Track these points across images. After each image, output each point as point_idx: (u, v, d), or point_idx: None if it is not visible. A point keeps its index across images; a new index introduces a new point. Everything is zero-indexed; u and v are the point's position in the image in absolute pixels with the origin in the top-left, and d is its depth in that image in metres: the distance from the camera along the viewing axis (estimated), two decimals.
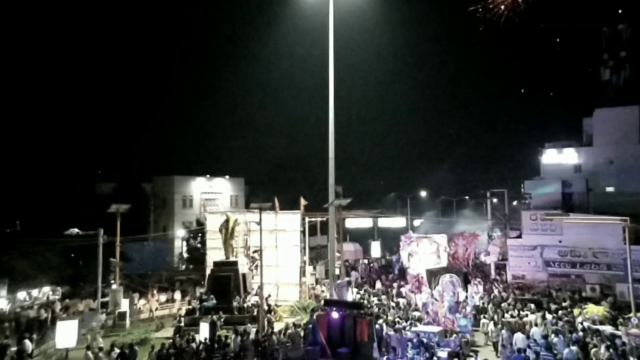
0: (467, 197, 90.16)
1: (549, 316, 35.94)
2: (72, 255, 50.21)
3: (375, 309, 39.27)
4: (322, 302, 32.83)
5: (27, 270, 48.47)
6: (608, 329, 32.50)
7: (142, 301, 45.51)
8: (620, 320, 33.72)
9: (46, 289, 49.36)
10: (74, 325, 32.74)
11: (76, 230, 43.83)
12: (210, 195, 77.16)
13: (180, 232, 70.34)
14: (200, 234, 60.29)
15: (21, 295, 47.58)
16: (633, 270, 36.51)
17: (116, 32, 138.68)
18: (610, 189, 60.63)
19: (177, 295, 47.56)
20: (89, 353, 29.70)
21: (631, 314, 33.22)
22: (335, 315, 25.15)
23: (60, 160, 58.17)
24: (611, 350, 27.44)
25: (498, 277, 53.56)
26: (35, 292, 48.55)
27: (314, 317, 26.40)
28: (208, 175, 77.99)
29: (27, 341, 32.44)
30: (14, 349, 32.31)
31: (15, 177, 51.98)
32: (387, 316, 37.04)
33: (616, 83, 65.13)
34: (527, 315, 36.29)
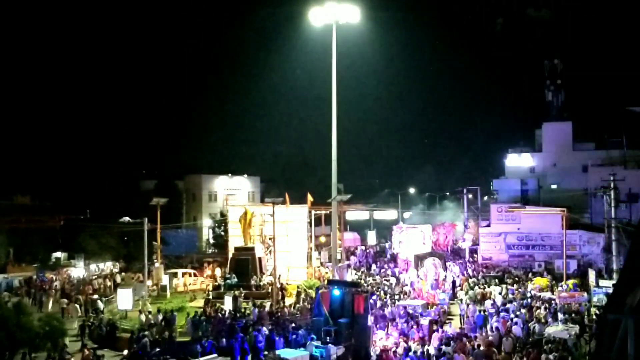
0: (447, 193, 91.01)
1: (507, 288, 38.34)
2: (125, 238, 52.09)
3: (370, 288, 40.24)
4: (326, 281, 33.67)
5: (94, 249, 51.78)
6: (547, 294, 36.08)
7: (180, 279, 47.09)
8: (555, 287, 37.73)
9: (109, 263, 53.09)
10: (130, 293, 35.22)
11: (127, 218, 45.46)
12: (232, 191, 77.72)
13: (207, 222, 71.18)
14: (223, 224, 61.20)
15: (92, 267, 51.72)
16: (567, 249, 41.21)
17: (153, 48, 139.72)
18: (554, 186, 63.74)
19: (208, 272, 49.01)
20: (141, 315, 32.06)
21: (562, 282, 37.83)
22: (336, 292, 25.85)
23: (114, 162, 59.67)
24: (546, 309, 31.13)
25: (471, 259, 54.94)
26: (101, 265, 52.63)
27: (319, 293, 27.07)
28: (230, 174, 78.58)
29: (99, 301, 35.25)
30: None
31: (82, 176, 53.92)
32: (381, 292, 38.01)
33: (556, 104, 69.65)
34: (490, 287, 38.38)
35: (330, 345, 23.49)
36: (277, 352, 23.00)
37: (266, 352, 24.00)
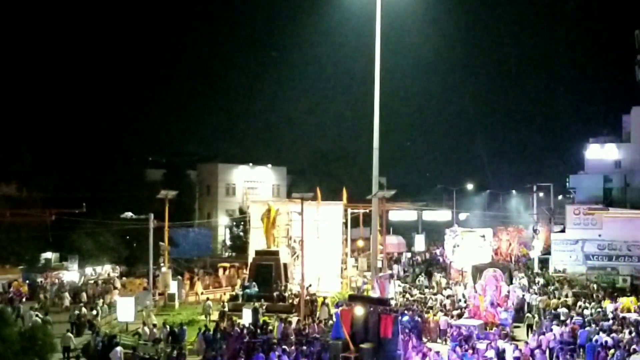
0: (513, 191, 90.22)
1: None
2: (128, 237, 52.82)
3: (417, 304, 40.06)
4: (347, 297, 33.20)
5: (91, 249, 52.66)
6: (633, 315, 35.29)
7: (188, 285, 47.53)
8: None
9: (107, 266, 54.49)
10: (131, 302, 35.64)
11: (130, 214, 46.07)
12: (253, 183, 78.05)
13: (223, 220, 71.64)
14: (242, 223, 61.52)
15: (88, 270, 53.05)
16: None
17: (176, 36, 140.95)
18: None
19: (223, 281, 49.40)
20: (145, 328, 32.43)
21: None
22: (359, 310, 25.27)
23: (116, 147, 60.33)
24: (633, 333, 30.83)
25: (540, 272, 54.27)
26: (99, 269, 54.00)
27: (338, 311, 26.66)
28: (251, 164, 78.92)
29: (94, 311, 35.92)
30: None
31: (78, 163, 54.76)
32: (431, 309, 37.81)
33: None
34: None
35: None
36: None
37: None
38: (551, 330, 32.00)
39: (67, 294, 43.09)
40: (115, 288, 46.18)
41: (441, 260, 59.40)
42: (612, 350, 28.41)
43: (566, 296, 42.36)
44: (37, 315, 35.37)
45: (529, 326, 35.28)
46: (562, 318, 35.36)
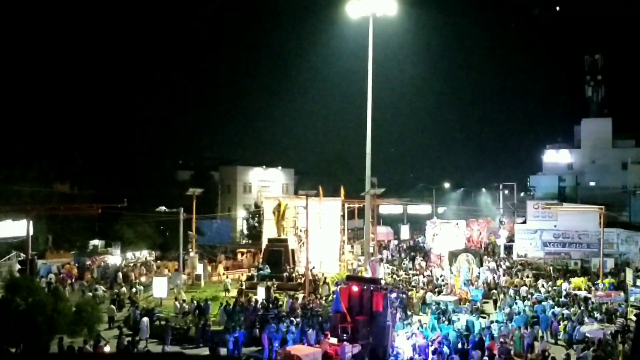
0: (483, 189, 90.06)
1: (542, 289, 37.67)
2: (161, 227, 52.85)
3: (401, 283, 40.05)
4: (345, 277, 33.20)
5: (131, 237, 53.03)
6: (583, 293, 35.63)
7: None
8: (592, 286, 37.21)
9: (144, 252, 54.29)
10: (165, 281, 36.09)
11: (163, 208, 46.10)
12: (266, 183, 78.02)
13: (241, 213, 71.64)
14: (257, 215, 61.52)
15: (129, 255, 52.98)
16: (604, 247, 41.75)
17: (194, 45, 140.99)
18: (592, 184, 62.49)
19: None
20: (176, 303, 32.63)
21: (599, 281, 37.83)
22: (355, 288, 25.30)
23: (152, 152, 60.51)
24: (582, 307, 31.26)
25: (505, 256, 54.22)
26: (137, 254, 53.85)
27: (337, 289, 26.67)
28: (264, 166, 78.88)
29: (134, 289, 36.15)
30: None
31: (121, 166, 54.96)
32: (415, 288, 37.83)
33: (596, 99, 68.14)
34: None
35: (345, 343, 23.23)
36: (288, 348, 22.94)
37: (278, 349, 23.98)
38: (516, 304, 32.09)
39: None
40: (151, 270, 46.42)
41: (423, 246, 59.24)
42: (564, 322, 28.51)
43: (527, 277, 42.44)
44: (93, 290, 35.76)
45: (494, 301, 35.35)
46: (523, 294, 35.44)
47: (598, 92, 67.49)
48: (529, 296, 34.60)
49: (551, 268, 47.23)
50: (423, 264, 48.93)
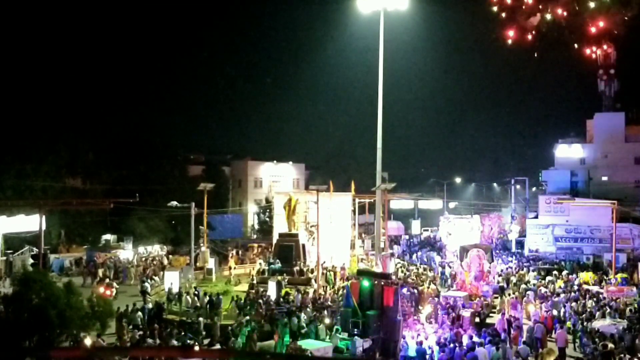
0: (494, 184, 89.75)
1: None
2: (173, 222, 53.09)
3: (414, 278, 39.98)
4: (356, 272, 33.16)
5: (143, 232, 53.27)
6: (594, 288, 35.72)
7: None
8: (604, 281, 37.30)
9: (156, 246, 54.52)
10: (176, 275, 36.21)
11: (175, 202, 46.33)
12: (277, 178, 78.01)
13: (252, 208, 71.76)
14: (268, 210, 61.61)
15: (141, 249, 53.08)
16: (616, 243, 41.34)
17: (209, 47, 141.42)
18: (605, 178, 62.11)
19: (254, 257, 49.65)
20: (188, 297, 32.68)
21: (611, 276, 37.77)
22: (366, 283, 25.29)
23: (163, 147, 60.76)
24: (594, 302, 31.21)
25: (517, 251, 54.14)
26: (149, 248, 53.98)
27: (348, 284, 26.64)
28: (275, 161, 78.86)
29: (146, 283, 35.83)
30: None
31: (133, 159, 55.24)
32: (426, 283, 37.74)
33: (609, 93, 67.72)
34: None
35: (356, 337, 23.24)
36: (300, 342, 22.96)
37: (288, 343, 24.01)
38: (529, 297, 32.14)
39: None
40: (162, 264, 46.63)
41: (436, 241, 59.14)
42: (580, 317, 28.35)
43: (538, 271, 42.38)
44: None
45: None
46: (532, 283, 35.82)
47: (611, 86, 67.03)
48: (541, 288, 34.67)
49: (563, 263, 47.14)
50: (438, 258, 48.81)
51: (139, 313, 28.48)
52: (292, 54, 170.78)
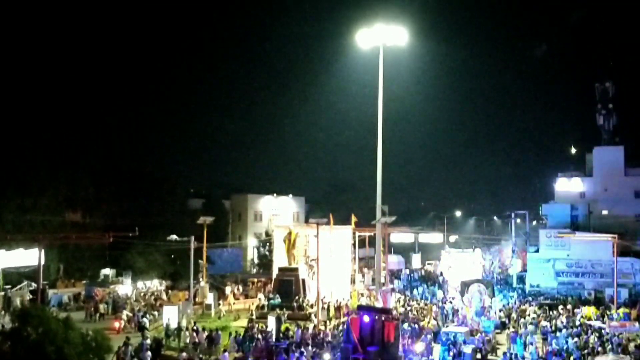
0: (495, 217, 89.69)
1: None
2: (172, 256, 52.91)
3: (415, 313, 39.74)
4: (356, 306, 32.94)
5: (142, 266, 52.84)
6: (597, 323, 35.30)
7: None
8: (606, 316, 36.86)
9: (155, 281, 54.11)
10: (175, 310, 35.83)
11: (175, 236, 46.29)
12: (276, 211, 77.93)
13: (252, 242, 71.61)
14: (268, 244, 61.48)
15: (139, 284, 52.69)
16: (618, 277, 41.25)
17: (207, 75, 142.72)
18: (605, 212, 62.07)
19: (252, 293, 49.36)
20: (186, 332, 32.66)
21: (613, 311, 37.58)
22: (366, 318, 25.12)
23: (163, 180, 60.91)
24: (596, 337, 31.07)
25: (519, 286, 53.91)
26: (148, 283, 53.55)
27: (348, 319, 26.44)
28: (275, 194, 78.93)
29: (145, 319, 35.78)
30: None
31: (132, 193, 55.28)
32: (427, 319, 37.50)
33: (607, 128, 68.26)
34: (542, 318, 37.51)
35: None
36: None
37: None
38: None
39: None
40: (161, 299, 46.31)
41: (436, 275, 58.87)
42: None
43: (539, 307, 42.15)
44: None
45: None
46: (532, 317, 35.52)
47: (609, 121, 67.61)
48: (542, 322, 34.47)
49: (564, 298, 46.88)
50: (440, 293, 48.56)
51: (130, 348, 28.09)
52: (293, 88, 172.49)
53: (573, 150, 75.32)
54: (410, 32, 38.83)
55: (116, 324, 35.47)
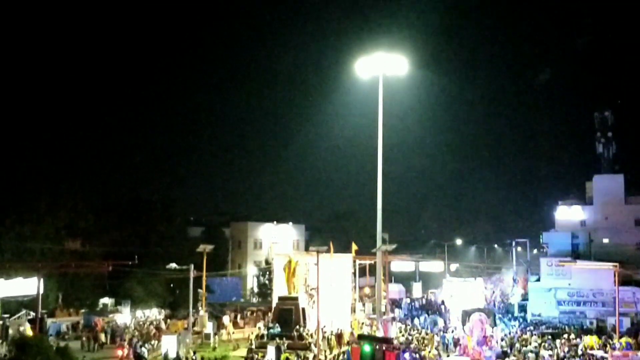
0: (495, 245, 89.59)
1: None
2: (172, 285, 52.72)
3: (415, 342, 39.48)
4: (357, 336, 32.76)
5: (141, 295, 52.94)
6: (599, 352, 34.86)
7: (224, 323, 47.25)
8: (608, 346, 36.48)
9: (154, 310, 54.09)
10: (174, 340, 35.68)
11: (174, 265, 46.18)
12: (277, 239, 77.85)
13: (251, 270, 71.41)
14: (267, 272, 61.32)
15: (138, 313, 52.62)
16: (620, 306, 40.87)
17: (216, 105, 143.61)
18: (606, 241, 62.04)
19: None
20: None
21: (616, 340, 37.13)
22: (367, 348, 25.01)
23: (163, 208, 61.00)
24: None
25: (520, 315, 53.60)
26: (147, 312, 53.50)
27: (349, 349, 26.34)
28: (275, 222, 79.03)
29: (143, 348, 35.57)
30: None
31: (132, 221, 55.31)
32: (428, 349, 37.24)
33: (607, 156, 69.05)
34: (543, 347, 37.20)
35: None
36: None
37: None
38: None
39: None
40: (160, 328, 46.02)
41: (437, 305, 58.55)
42: None
43: (541, 336, 41.85)
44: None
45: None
46: (534, 346, 35.18)
47: (609, 149, 68.10)
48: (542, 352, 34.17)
49: (566, 327, 46.56)
50: (441, 321, 48.26)
51: None
52: (293, 115, 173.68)
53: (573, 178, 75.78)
54: (410, 61, 39.12)
55: (119, 352, 35.17)
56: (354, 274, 49.25)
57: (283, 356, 34.07)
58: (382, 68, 38.16)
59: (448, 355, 35.11)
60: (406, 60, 38.66)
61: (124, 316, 50.22)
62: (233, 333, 45.03)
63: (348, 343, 28.88)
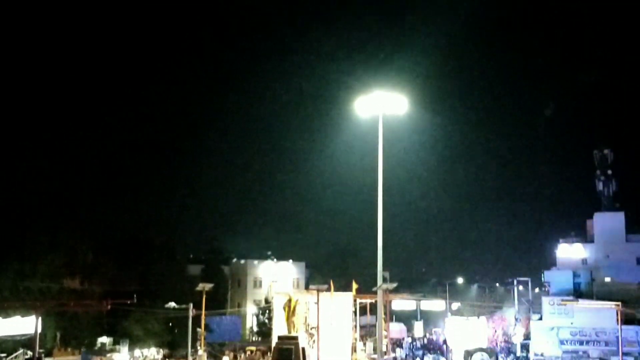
0: (497, 284, 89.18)
1: None
2: (170, 324, 52.40)
3: None
4: None
5: (140, 334, 52.65)
6: None
7: None
8: None
9: (153, 349, 53.68)
10: None
11: (173, 303, 46.02)
12: (276, 277, 77.58)
13: (251, 309, 70.98)
14: (267, 311, 60.95)
15: (137, 352, 52.18)
16: (623, 345, 41.40)
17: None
18: (608, 279, 62.12)
19: None
20: None
21: None
22: None
23: (162, 246, 61.06)
24: None
25: (522, 355, 53.16)
26: (145, 351, 53.02)
27: None
28: (275, 260, 78.93)
29: None
30: None
31: (131, 259, 55.28)
32: None
33: (607, 194, 68.82)
34: None
35: None
36: None
37: None
38: None
39: None
40: None
41: (439, 344, 58.11)
42: None
43: None
44: None
45: None
46: None
47: (609, 187, 68.29)
48: None
49: None
50: None
51: None
52: (293, 153, 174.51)
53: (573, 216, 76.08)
54: (409, 99, 39.55)
55: None
56: (355, 312, 48.92)
57: None
58: (381, 107, 38.58)
59: None
60: (405, 99, 39.14)
61: (122, 355, 49.81)
62: None
63: None
